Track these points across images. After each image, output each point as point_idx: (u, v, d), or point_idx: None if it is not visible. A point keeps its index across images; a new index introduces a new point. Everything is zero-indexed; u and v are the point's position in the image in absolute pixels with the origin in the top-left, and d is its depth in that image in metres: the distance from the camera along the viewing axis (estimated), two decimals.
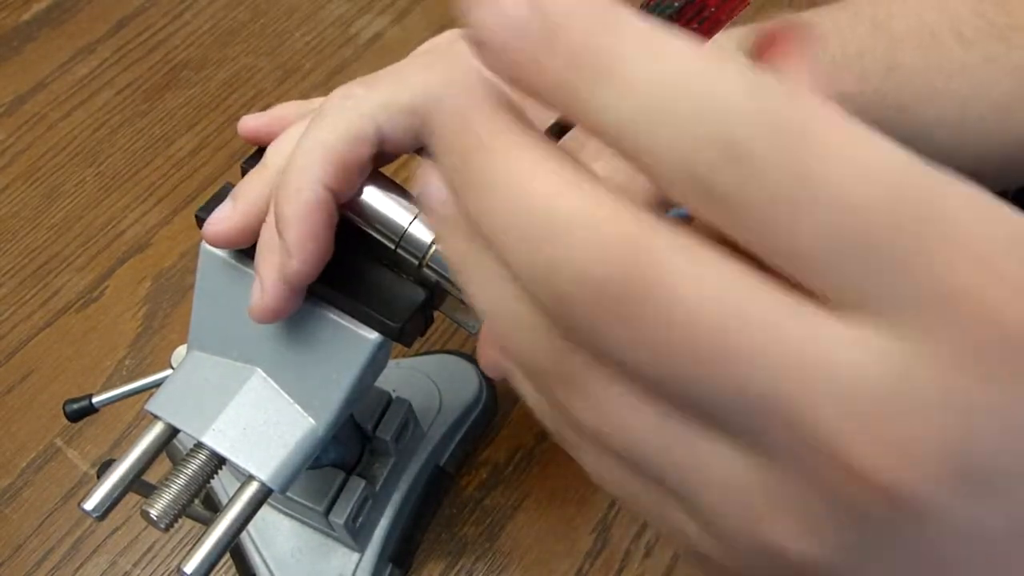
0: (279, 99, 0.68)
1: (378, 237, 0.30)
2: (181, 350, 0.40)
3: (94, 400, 0.41)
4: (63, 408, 0.42)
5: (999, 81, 0.45)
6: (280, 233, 0.29)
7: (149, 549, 0.50)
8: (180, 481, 0.31)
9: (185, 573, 0.29)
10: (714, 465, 0.17)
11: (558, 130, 0.21)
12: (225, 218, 0.31)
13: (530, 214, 0.16)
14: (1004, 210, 0.16)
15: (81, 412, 0.41)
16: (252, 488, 0.32)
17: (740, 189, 0.15)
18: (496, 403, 0.53)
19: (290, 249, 0.28)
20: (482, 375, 0.52)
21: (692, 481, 0.18)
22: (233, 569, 0.47)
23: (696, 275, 0.16)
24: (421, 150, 0.31)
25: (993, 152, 0.48)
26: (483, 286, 0.18)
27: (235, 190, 0.31)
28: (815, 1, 0.44)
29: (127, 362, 0.56)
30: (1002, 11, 0.45)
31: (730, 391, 0.16)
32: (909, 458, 0.16)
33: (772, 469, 0.17)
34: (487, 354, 0.26)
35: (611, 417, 0.17)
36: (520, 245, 0.16)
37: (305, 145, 0.29)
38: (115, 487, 0.31)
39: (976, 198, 0.16)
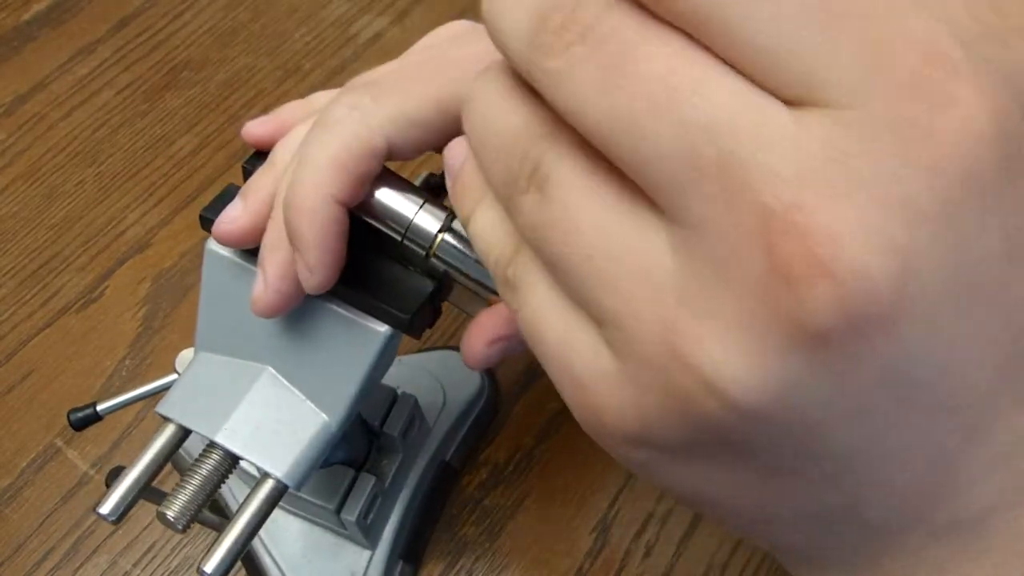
0: (279, 99, 0.68)
1: (384, 230, 0.31)
2: (185, 354, 0.40)
3: (99, 408, 0.41)
4: (67, 417, 0.42)
5: None
6: (296, 248, 0.29)
7: (149, 549, 0.50)
8: (195, 482, 0.31)
9: (205, 572, 0.29)
10: (641, 251, 0.18)
11: (435, 182, 0.22)
12: (236, 217, 0.31)
13: None
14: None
15: (86, 420, 0.41)
16: (267, 486, 0.32)
17: None
18: (499, 397, 0.53)
19: (311, 266, 0.29)
20: (485, 370, 0.52)
21: (615, 272, 0.18)
22: (243, 572, 0.47)
23: (652, 34, 0.17)
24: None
25: None
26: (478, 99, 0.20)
27: (243, 189, 0.31)
28: None
29: (127, 362, 0.56)
30: (997, 13, 0.46)
31: (670, 143, 0.16)
32: (844, 232, 0.15)
33: (696, 250, 0.17)
34: (474, 346, 0.27)
35: (562, 210, 0.18)
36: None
37: (317, 160, 0.29)
38: (130, 490, 0.31)
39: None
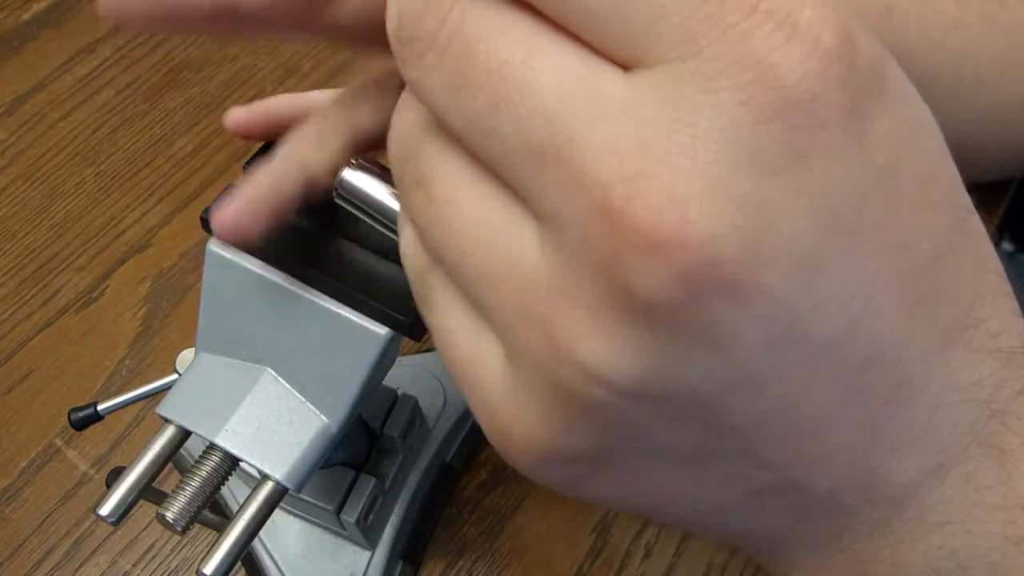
0: None
1: (387, 232, 0.31)
2: (185, 354, 0.40)
3: (99, 408, 0.41)
4: (68, 417, 0.42)
5: (994, 40, 0.46)
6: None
7: (149, 549, 0.50)
8: (195, 484, 0.31)
9: (204, 574, 0.30)
10: (510, 245, 0.17)
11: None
12: (230, 202, 0.30)
13: None
14: None
15: (86, 420, 0.41)
16: (267, 488, 0.32)
17: None
18: None
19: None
20: None
21: (491, 269, 0.18)
22: (242, 572, 0.47)
23: (495, 23, 0.16)
24: None
25: (992, 113, 0.48)
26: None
27: (243, 182, 0.31)
28: None
29: (127, 362, 0.56)
30: None
31: (513, 137, 0.16)
32: (688, 197, 0.14)
33: (555, 240, 0.16)
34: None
35: (443, 207, 0.18)
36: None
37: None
38: (129, 491, 0.31)
39: None
